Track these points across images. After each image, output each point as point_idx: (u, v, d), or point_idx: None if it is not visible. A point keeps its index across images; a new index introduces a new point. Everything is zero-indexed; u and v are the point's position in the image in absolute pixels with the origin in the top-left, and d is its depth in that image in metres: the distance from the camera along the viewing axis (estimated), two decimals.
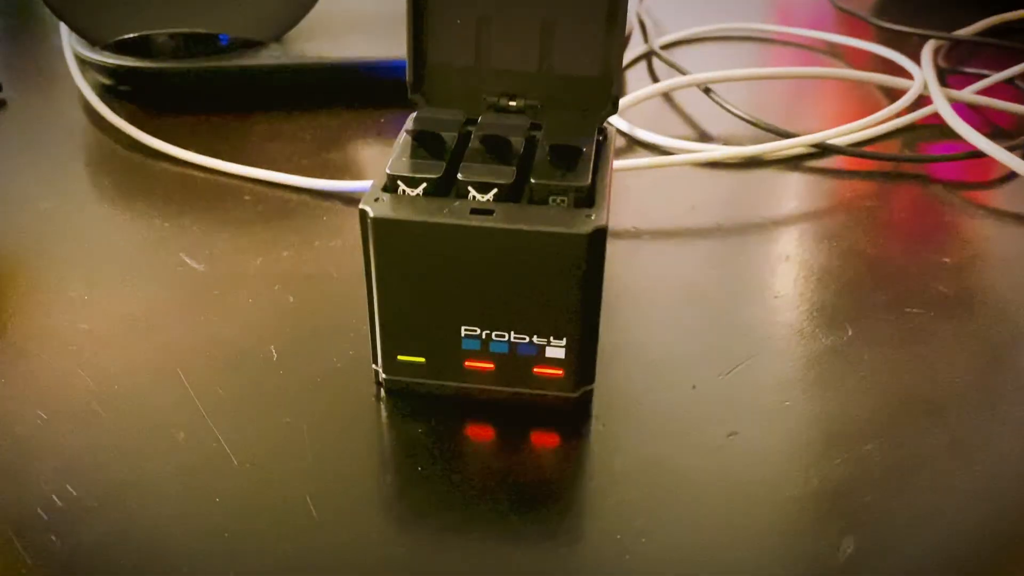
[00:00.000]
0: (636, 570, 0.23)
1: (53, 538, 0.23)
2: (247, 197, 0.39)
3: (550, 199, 0.25)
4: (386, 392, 0.28)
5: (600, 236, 0.24)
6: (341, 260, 0.34)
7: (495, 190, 0.25)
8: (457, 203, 0.25)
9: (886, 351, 0.30)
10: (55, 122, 0.45)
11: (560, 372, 0.27)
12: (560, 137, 0.26)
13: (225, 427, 0.27)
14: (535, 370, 0.27)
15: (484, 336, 0.26)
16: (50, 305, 0.32)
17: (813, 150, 0.42)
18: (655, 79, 0.51)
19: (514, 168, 0.26)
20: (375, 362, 0.28)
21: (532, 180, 0.25)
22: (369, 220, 0.25)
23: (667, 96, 0.49)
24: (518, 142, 0.27)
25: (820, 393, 0.28)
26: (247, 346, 0.30)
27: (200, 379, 0.28)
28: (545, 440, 0.27)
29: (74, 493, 0.25)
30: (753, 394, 0.28)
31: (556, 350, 0.26)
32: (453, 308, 0.26)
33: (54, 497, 0.24)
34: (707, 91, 0.46)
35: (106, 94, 0.47)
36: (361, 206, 0.25)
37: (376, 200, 0.25)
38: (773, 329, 0.31)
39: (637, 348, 0.30)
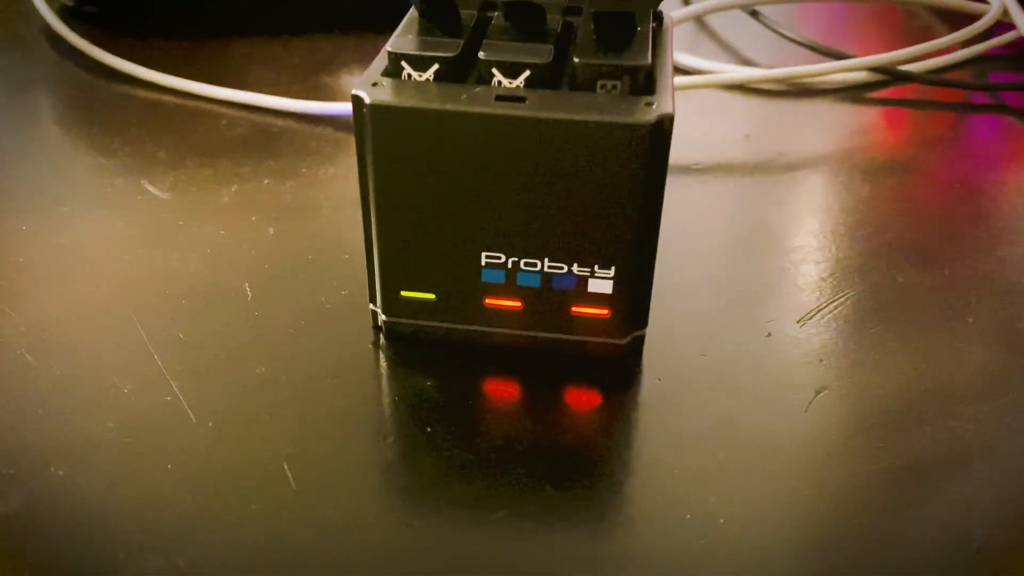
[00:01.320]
0: (715, 560, 0.17)
1: None
2: (223, 122, 0.33)
3: (598, 84, 0.19)
4: (387, 337, 0.23)
5: (665, 129, 0.19)
6: (333, 188, 0.29)
7: (527, 72, 0.20)
8: (479, 89, 0.19)
9: (996, 293, 0.25)
10: (10, 45, 0.40)
11: (606, 312, 0.21)
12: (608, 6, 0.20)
13: (184, 378, 0.21)
14: (574, 309, 0.21)
15: (510, 265, 0.21)
16: None
17: (872, 78, 0.37)
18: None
19: (551, 46, 0.20)
20: (373, 301, 0.22)
21: (575, 59, 0.19)
22: (365, 109, 0.19)
23: (702, 23, 0.43)
24: (554, 19, 0.21)
25: (923, 343, 0.23)
26: (216, 283, 0.24)
27: (156, 321, 0.23)
28: (587, 397, 0.21)
29: None
30: (842, 344, 0.23)
31: (601, 283, 0.21)
32: (471, 228, 0.20)
33: None
34: (754, 14, 0.40)
35: (69, 17, 0.41)
36: (354, 91, 0.19)
37: (375, 85, 0.19)
38: (856, 270, 0.26)
39: (696, 290, 0.25)
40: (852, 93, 0.37)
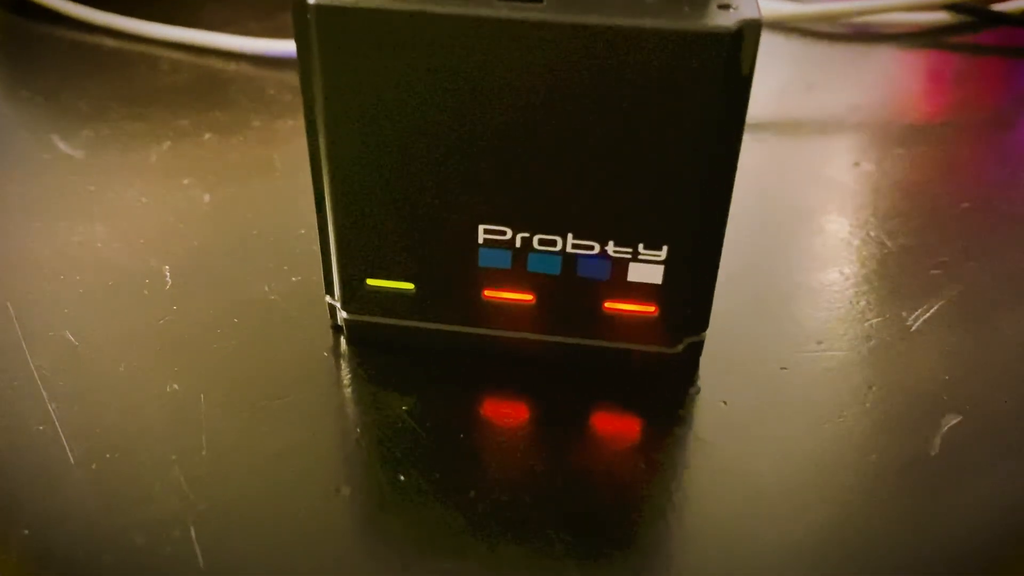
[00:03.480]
0: None
1: None
2: (164, 66, 0.27)
3: None
4: (349, 342, 0.17)
5: (749, 42, 0.13)
6: (290, 145, 0.23)
7: None
8: None
9: None
10: None
11: (652, 309, 0.15)
12: None
13: (66, 398, 0.15)
14: (607, 305, 0.15)
15: (519, 243, 0.15)
16: None
17: (953, 20, 0.31)
18: None
19: None
20: (330, 292, 0.16)
21: None
22: (310, 14, 0.13)
23: None
24: None
25: None
26: (126, 266, 0.18)
27: (40, 316, 0.17)
28: (625, 430, 0.15)
29: None
30: (968, 352, 0.17)
31: (647, 269, 0.15)
32: (464, 190, 0.14)
33: None
34: None
35: None
36: None
37: None
38: (970, 252, 0.20)
39: (768, 278, 0.19)
40: (929, 38, 0.30)
